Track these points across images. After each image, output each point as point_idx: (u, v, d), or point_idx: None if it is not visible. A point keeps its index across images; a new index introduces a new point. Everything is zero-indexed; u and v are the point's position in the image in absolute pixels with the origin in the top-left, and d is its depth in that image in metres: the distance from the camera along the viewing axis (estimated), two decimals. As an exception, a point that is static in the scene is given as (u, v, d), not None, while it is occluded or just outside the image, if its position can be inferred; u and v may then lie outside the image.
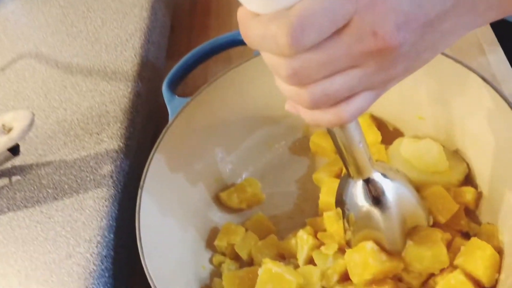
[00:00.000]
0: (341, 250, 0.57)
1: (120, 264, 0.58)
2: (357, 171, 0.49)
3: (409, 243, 0.53)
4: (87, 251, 0.56)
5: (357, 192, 0.51)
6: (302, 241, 0.60)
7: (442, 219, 0.57)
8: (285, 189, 0.69)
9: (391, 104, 0.65)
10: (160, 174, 0.60)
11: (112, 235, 0.58)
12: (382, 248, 0.53)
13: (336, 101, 0.38)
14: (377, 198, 0.51)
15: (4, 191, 0.63)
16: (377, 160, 0.60)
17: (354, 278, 0.54)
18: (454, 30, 0.39)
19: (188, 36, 0.93)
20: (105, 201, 0.59)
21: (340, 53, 0.35)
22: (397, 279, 0.55)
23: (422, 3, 0.36)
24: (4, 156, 0.62)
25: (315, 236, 0.60)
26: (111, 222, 0.58)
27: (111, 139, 0.65)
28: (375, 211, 0.51)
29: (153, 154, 0.60)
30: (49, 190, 0.61)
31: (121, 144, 0.64)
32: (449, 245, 0.55)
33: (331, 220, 0.59)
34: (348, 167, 0.49)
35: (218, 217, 0.67)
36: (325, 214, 0.60)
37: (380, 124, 0.69)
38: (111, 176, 0.61)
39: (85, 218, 0.58)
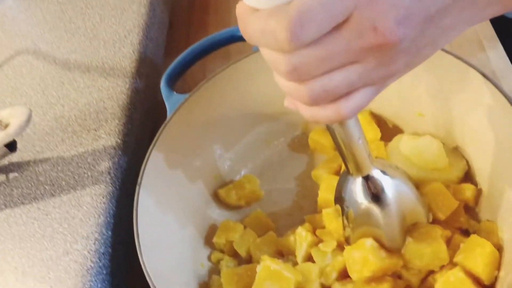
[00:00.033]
0: (340, 247, 0.57)
1: (118, 261, 0.58)
2: (356, 168, 0.49)
3: (409, 240, 0.53)
4: (84, 248, 0.55)
5: (357, 189, 0.51)
6: (300, 238, 0.59)
7: (441, 216, 0.57)
8: (284, 186, 0.69)
9: (391, 101, 0.65)
10: (158, 170, 0.60)
11: (109, 232, 0.57)
12: (382, 245, 0.53)
13: (335, 97, 0.37)
14: (376, 195, 0.51)
15: (1, 188, 0.62)
16: (376, 157, 0.60)
17: (353, 275, 0.53)
18: (455, 26, 0.39)
19: (187, 33, 0.93)
20: (103, 198, 0.59)
21: (340, 49, 0.35)
22: (396, 276, 0.55)
23: (423, -2, 0.35)
24: (1, 152, 0.62)
25: (313, 233, 0.60)
26: (108, 219, 0.58)
27: (109, 136, 0.65)
28: (375, 208, 0.51)
29: (151, 150, 0.60)
30: (47, 187, 0.61)
31: (119, 141, 0.64)
32: (448, 242, 0.55)
33: (330, 217, 0.59)
34: (348, 164, 0.49)
35: (217, 214, 0.67)
36: (324, 211, 0.60)
37: (379, 121, 0.69)
38: (109, 173, 0.61)
39: (82, 215, 0.58)
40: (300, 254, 0.59)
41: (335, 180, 0.56)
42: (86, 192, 0.60)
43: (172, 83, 0.67)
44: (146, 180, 0.58)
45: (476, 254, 0.52)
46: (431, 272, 0.54)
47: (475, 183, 0.61)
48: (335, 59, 0.35)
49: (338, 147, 0.47)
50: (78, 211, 0.58)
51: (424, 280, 0.55)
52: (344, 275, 0.56)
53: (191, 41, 0.69)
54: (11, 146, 0.62)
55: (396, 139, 0.65)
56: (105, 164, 0.62)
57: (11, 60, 0.77)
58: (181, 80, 0.69)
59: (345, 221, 0.54)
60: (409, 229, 0.54)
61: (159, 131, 0.62)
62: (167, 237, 0.59)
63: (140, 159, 0.60)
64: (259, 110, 0.70)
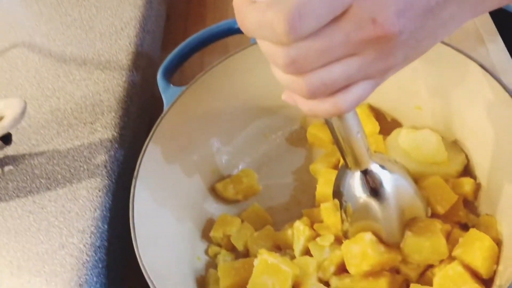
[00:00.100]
0: (338, 242, 0.57)
1: (114, 255, 0.58)
2: (355, 162, 0.49)
3: (408, 234, 0.53)
4: (80, 241, 0.55)
5: (355, 183, 0.51)
6: (298, 232, 0.59)
7: (441, 210, 0.56)
8: (282, 180, 0.69)
9: (390, 94, 0.65)
10: (154, 164, 0.60)
11: (106, 226, 0.57)
12: (380, 239, 0.53)
13: (334, 90, 0.37)
14: (375, 189, 0.50)
15: (-4, 181, 0.62)
16: (375, 151, 0.59)
17: (351, 269, 0.53)
18: (455, 18, 0.38)
19: (184, 25, 0.92)
20: (99, 191, 0.59)
21: (339, 41, 0.34)
22: (394, 271, 0.55)
23: (423, -10, 0.35)
24: (-4, 145, 0.62)
25: (311, 227, 0.60)
26: (104, 213, 0.58)
27: (105, 129, 0.64)
28: (373, 202, 0.51)
29: (148, 143, 0.60)
30: (42, 180, 0.61)
31: (115, 134, 0.64)
32: (447, 237, 0.55)
33: (328, 212, 0.59)
34: (346, 158, 0.49)
35: (214, 208, 0.67)
36: (322, 206, 0.60)
37: (378, 114, 0.69)
38: (105, 166, 0.61)
39: (78, 209, 0.58)
40: (297, 248, 0.59)
41: (333, 174, 0.56)
42: (82, 186, 0.59)
43: (169, 75, 0.66)
44: (143, 174, 0.58)
45: (475, 248, 0.52)
46: (430, 266, 0.54)
47: (474, 177, 0.61)
48: (334, 51, 0.35)
49: (336, 141, 0.47)
50: (74, 204, 0.58)
51: (422, 274, 0.55)
52: (342, 269, 0.56)
53: (188, 34, 0.69)
54: (6, 139, 0.61)
55: (394, 132, 0.64)
56: (101, 158, 0.61)
57: (6, 52, 0.77)
58: (178, 73, 0.69)
59: (343, 215, 0.54)
60: (408, 223, 0.54)
61: (156, 124, 0.61)
62: (163, 231, 0.59)
63: (136, 152, 0.60)
64: (257, 104, 0.70)
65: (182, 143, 0.64)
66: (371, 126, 0.66)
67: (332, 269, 0.56)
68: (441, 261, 0.53)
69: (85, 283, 0.53)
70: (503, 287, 0.47)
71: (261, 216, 0.64)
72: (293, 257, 0.59)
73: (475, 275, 0.52)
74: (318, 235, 0.59)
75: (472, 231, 0.54)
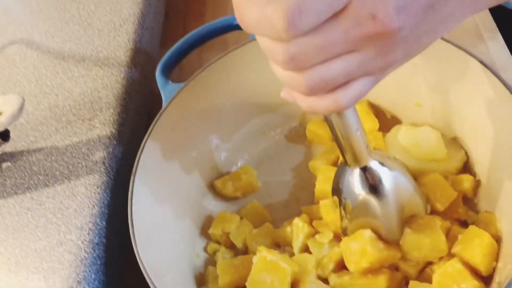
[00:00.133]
0: (337, 239, 0.57)
1: (112, 252, 0.57)
2: (354, 159, 0.49)
3: (407, 231, 0.53)
4: (78, 238, 0.55)
5: (354, 180, 0.51)
6: (297, 229, 0.59)
7: (440, 207, 0.56)
8: (281, 177, 0.69)
9: (389, 91, 0.65)
10: (153, 160, 0.60)
11: (104, 223, 0.57)
12: (379, 236, 0.53)
13: (333, 86, 0.37)
14: (374, 187, 0.50)
15: (-5, 178, 0.62)
16: (374, 148, 0.59)
17: (351, 266, 0.53)
18: (455, 14, 0.38)
19: (183, 22, 0.92)
20: (97, 188, 0.59)
21: (338, 37, 0.34)
22: (394, 268, 0.55)
23: (423, -15, 0.35)
24: (-6, 142, 0.61)
25: (310, 224, 0.60)
26: (103, 209, 0.58)
27: (103, 125, 0.64)
28: (372, 200, 0.51)
29: (146, 140, 0.60)
30: (40, 177, 0.61)
31: (113, 130, 0.64)
32: (447, 234, 0.55)
33: (327, 209, 0.59)
34: (345, 155, 0.49)
35: (213, 205, 0.67)
36: (321, 203, 0.60)
37: (377, 111, 0.68)
38: (103, 163, 0.61)
39: (76, 205, 0.57)
40: (296, 245, 0.59)
41: (332, 171, 0.55)
42: (81, 182, 0.59)
43: (168, 72, 0.66)
44: (141, 170, 0.58)
45: (475, 245, 0.52)
46: (429, 263, 0.54)
47: (473, 174, 0.60)
48: (334, 47, 0.35)
49: (336, 138, 0.47)
50: (72, 201, 0.58)
51: (422, 271, 0.55)
52: (341, 266, 0.56)
53: (187, 30, 0.69)
54: (4, 136, 0.61)
55: (394, 129, 0.64)
56: (100, 154, 0.61)
57: (4, 49, 0.76)
58: (177, 70, 0.68)
59: (343, 212, 0.54)
60: (408, 220, 0.54)
61: (154, 121, 0.61)
62: (162, 228, 0.59)
63: (135, 149, 0.59)
64: (256, 101, 0.69)
65: (181, 140, 0.64)
66: (371, 123, 0.66)
67: (331, 266, 0.56)
68: (441, 258, 0.53)
69: (83, 280, 0.52)
70: (502, 284, 0.47)
71: (260, 213, 0.64)
72: (292, 254, 0.59)
73: (474, 272, 0.52)
74: (317, 232, 0.59)
75: (472, 228, 0.54)
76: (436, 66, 0.61)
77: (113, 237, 0.58)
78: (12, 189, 0.60)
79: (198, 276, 0.61)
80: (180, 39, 0.67)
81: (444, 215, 0.56)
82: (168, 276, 0.55)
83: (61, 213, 0.57)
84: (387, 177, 0.50)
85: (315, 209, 0.62)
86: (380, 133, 0.65)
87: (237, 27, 0.65)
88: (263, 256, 0.54)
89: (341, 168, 0.52)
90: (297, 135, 0.72)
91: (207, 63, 0.65)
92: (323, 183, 0.62)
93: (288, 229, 0.60)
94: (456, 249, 0.53)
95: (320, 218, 0.60)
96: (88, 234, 0.55)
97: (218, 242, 0.63)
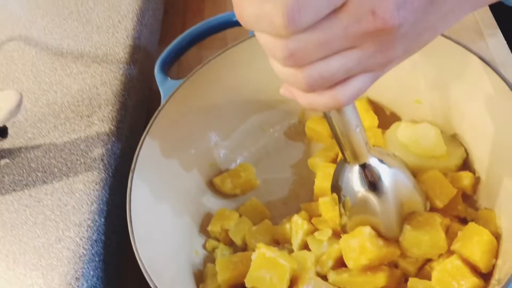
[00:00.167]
0: (336, 236, 0.57)
1: (111, 249, 0.57)
2: (353, 156, 0.49)
3: (407, 228, 0.53)
4: (77, 235, 0.55)
5: (353, 177, 0.51)
6: (296, 226, 0.59)
7: (439, 204, 0.56)
8: (280, 174, 0.68)
9: (388, 88, 0.64)
10: (152, 157, 0.60)
11: (102, 219, 0.57)
12: (379, 233, 0.53)
13: (332, 83, 0.37)
14: (373, 184, 0.50)
15: (-7, 175, 0.62)
16: (373, 145, 0.59)
17: (350, 263, 0.53)
18: (455, 11, 0.38)
19: (182, 19, 0.92)
20: (96, 184, 0.58)
21: (338, 34, 0.34)
22: (393, 265, 0.55)
23: (423, -19, 0.35)
24: (-8, 138, 0.61)
25: (309, 221, 0.60)
26: (101, 206, 0.57)
27: (102, 122, 0.64)
28: (372, 197, 0.51)
29: (145, 137, 0.59)
30: (39, 174, 0.60)
31: (112, 127, 0.63)
32: (446, 231, 0.55)
33: (326, 206, 0.59)
34: (344, 152, 0.49)
35: (212, 202, 0.67)
36: (321, 200, 0.60)
37: (377, 108, 0.68)
38: (102, 160, 0.61)
39: (75, 202, 0.57)
40: (296, 242, 0.59)
41: (331, 168, 0.55)
42: (79, 179, 0.59)
43: (167, 68, 0.66)
44: (140, 167, 0.57)
45: (474, 242, 0.52)
46: (428, 260, 0.54)
47: (473, 171, 0.60)
48: (333, 44, 0.34)
49: (335, 135, 0.46)
50: (70, 198, 0.58)
51: (421, 268, 0.55)
52: (340, 263, 0.56)
53: (186, 27, 0.68)
54: (2, 132, 0.61)
55: (393, 126, 0.64)
56: (98, 151, 0.61)
57: (2, 45, 0.76)
58: (176, 66, 0.68)
59: (342, 210, 0.54)
60: (407, 217, 0.54)
61: (153, 118, 0.61)
62: (161, 224, 0.59)
63: (133, 145, 0.59)
64: (255, 98, 0.69)
65: (180, 137, 0.64)
66: (370, 119, 0.66)
67: (330, 263, 0.56)
68: (440, 255, 0.53)
69: (82, 277, 0.52)
70: (502, 281, 0.47)
71: (259, 210, 0.64)
72: (291, 251, 0.59)
73: (473, 269, 0.52)
74: (316, 229, 0.59)
75: (471, 225, 0.54)
76: (435, 63, 0.61)
77: (111, 234, 0.58)
78: (10, 186, 0.60)
79: (197, 273, 0.60)
80: (179, 36, 0.67)
81: (443, 212, 0.56)
82: (166, 273, 0.55)
83: (60, 210, 0.57)
84: (386, 174, 0.50)
85: (314, 206, 0.61)
86: (380, 130, 0.65)
87: (236, 24, 0.65)
88: (262, 253, 0.54)
89: (340, 165, 0.52)
90: (296, 132, 0.72)
91: (206, 59, 0.65)
92: (322, 180, 0.62)
93: (287, 226, 0.60)
94: (455, 246, 0.53)
95: (319, 215, 0.60)
96: (87, 231, 0.55)
97: (217, 239, 0.63)
